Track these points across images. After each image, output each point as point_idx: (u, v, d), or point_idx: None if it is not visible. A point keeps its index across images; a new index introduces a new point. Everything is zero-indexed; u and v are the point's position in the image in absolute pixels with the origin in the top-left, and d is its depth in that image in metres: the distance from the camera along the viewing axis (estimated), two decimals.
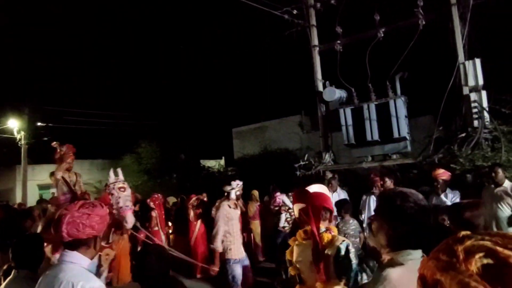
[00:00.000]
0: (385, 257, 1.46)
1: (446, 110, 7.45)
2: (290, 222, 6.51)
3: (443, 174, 5.28)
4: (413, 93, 8.27)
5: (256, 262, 7.37)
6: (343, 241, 1.64)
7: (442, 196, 5.22)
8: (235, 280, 4.62)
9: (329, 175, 8.08)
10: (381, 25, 8.26)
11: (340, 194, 6.40)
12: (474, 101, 7.16)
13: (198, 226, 7.39)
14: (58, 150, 5.01)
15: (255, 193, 8.16)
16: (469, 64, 7.26)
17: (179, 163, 15.19)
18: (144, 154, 14.88)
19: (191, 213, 7.42)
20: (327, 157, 8.83)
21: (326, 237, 1.61)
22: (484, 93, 7.19)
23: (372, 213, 1.67)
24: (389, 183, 5.69)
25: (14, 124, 17.35)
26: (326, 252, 1.53)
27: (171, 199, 9.45)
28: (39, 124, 17.74)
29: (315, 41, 9.44)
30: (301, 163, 8.83)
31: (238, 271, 4.65)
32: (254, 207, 8.06)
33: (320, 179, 7.73)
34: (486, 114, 7.03)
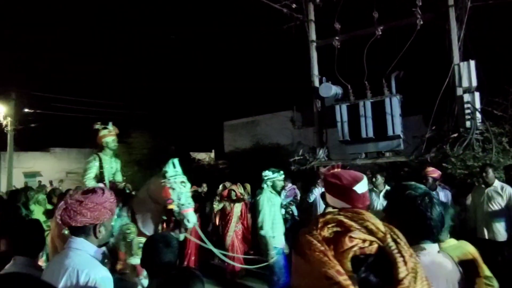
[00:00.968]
0: None
1: (439, 110, 7.57)
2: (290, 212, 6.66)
3: (432, 172, 5.33)
4: (405, 92, 8.36)
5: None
6: None
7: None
8: (282, 271, 4.42)
9: (322, 171, 8.14)
10: (379, 23, 8.30)
11: None
12: (467, 102, 7.29)
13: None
14: (101, 130, 4.43)
15: (247, 186, 8.16)
16: (463, 65, 7.37)
17: (169, 154, 15.06)
18: (135, 145, 14.68)
19: None
20: (321, 153, 8.88)
21: None
22: (477, 95, 7.32)
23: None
24: (380, 180, 5.70)
25: (1, 110, 16.88)
26: None
27: None
28: (26, 110, 17.29)
29: (313, 36, 9.43)
30: (296, 158, 8.86)
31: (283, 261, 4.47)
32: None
33: (314, 175, 7.78)
34: (478, 115, 7.16)
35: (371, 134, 8.06)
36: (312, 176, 7.47)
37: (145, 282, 3.55)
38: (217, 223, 7.09)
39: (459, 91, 7.45)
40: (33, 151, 20.22)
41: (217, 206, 7.00)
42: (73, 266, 1.71)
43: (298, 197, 7.18)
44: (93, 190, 1.91)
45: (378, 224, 0.74)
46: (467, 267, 1.56)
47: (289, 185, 7.19)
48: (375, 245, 0.70)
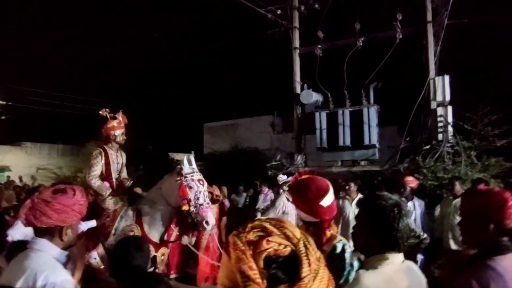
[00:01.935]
0: (366, 260, 1.49)
1: (413, 122, 7.82)
2: None
3: (411, 181, 5.49)
4: (383, 103, 8.60)
5: None
6: (340, 240, 1.66)
7: (409, 203, 5.42)
8: None
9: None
10: (361, 35, 8.50)
11: None
12: (441, 116, 7.57)
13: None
14: (110, 121, 3.91)
15: (224, 189, 8.10)
16: (438, 80, 7.66)
17: (147, 154, 14.80)
18: None
19: None
20: (299, 159, 8.96)
21: (327, 234, 1.63)
22: (450, 109, 7.61)
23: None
24: (353, 188, 5.77)
25: None
26: (323, 248, 1.54)
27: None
28: None
29: (297, 43, 9.54)
30: (273, 163, 8.90)
31: None
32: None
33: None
34: (450, 129, 7.44)
35: (348, 142, 8.22)
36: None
37: None
38: None
39: (433, 105, 7.73)
40: (2, 144, 19.36)
41: None
42: (32, 268, 1.63)
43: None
44: (63, 190, 1.82)
45: (295, 231, 0.88)
46: None
47: (266, 189, 7.20)
48: (289, 249, 0.85)
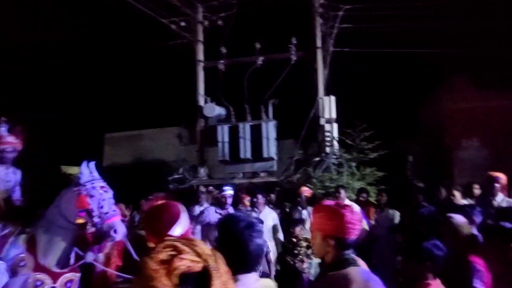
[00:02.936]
0: None
1: (307, 136, 8.64)
2: None
3: (306, 191, 6.16)
4: (281, 117, 9.28)
5: None
6: None
7: (304, 211, 5.88)
8: None
9: (202, 189, 8.20)
10: (261, 53, 9.07)
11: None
12: (328, 131, 8.53)
13: None
14: None
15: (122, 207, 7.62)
16: (326, 99, 8.66)
17: (32, 169, 13.02)
18: None
19: None
20: (202, 172, 9.00)
21: None
22: (335, 125, 8.65)
23: None
24: (261, 200, 5.98)
25: None
26: None
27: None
28: None
29: (201, 56, 9.66)
30: (175, 176, 8.76)
31: None
32: None
33: (193, 194, 7.78)
34: (335, 143, 8.42)
35: (249, 155, 8.61)
36: (191, 195, 7.45)
37: None
38: None
39: (322, 121, 8.67)
40: None
41: None
42: None
43: None
44: None
45: (205, 249, 0.96)
46: None
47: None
48: (200, 265, 0.92)
